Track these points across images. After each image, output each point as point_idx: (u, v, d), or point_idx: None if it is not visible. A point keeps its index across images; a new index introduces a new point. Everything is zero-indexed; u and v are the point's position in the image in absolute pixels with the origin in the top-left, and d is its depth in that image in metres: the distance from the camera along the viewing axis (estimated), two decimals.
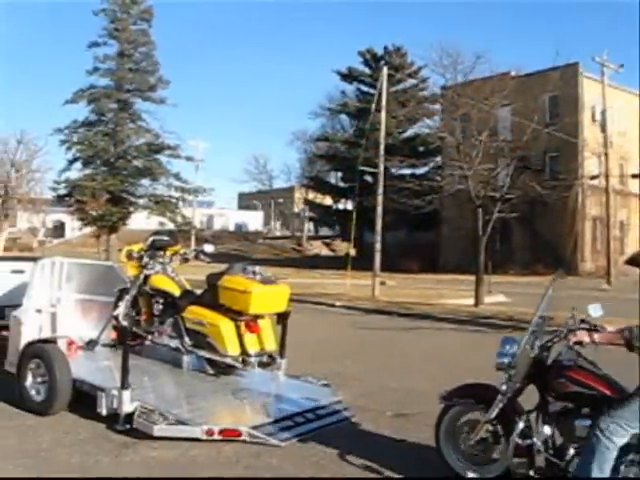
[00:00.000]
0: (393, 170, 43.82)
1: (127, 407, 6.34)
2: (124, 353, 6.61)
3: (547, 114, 36.28)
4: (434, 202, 30.31)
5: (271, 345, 7.62)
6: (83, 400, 6.89)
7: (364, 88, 54.14)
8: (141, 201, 50.02)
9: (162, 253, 8.14)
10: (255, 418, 6.61)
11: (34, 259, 9.11)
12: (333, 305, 21.11)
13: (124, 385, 6.40)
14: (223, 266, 7.85)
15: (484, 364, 5.85)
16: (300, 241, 72.87)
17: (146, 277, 7.89)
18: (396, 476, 5.56)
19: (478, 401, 5.29)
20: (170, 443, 6.02)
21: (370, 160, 29.23)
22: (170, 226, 51.76)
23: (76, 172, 49.26)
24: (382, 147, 25.51)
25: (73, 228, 68.31)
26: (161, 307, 7.85)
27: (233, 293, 7.21)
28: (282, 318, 7.82)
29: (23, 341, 7.46)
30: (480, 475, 5.24)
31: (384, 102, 25.55)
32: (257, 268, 7.64)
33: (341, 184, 60.03)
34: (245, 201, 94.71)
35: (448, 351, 12.78)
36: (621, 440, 4.34)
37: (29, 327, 7.59)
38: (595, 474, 4.32)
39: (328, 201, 63.94)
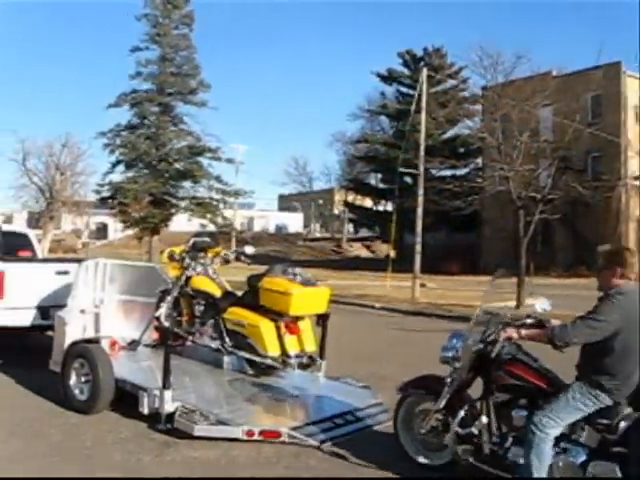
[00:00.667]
0: (433, 171, 43.54)
1: (168, 407, 6.41)
2: (166, 354, 6.68)
3: (589, 114, 35.70)
4: (475, 203, 29.98)
5: (311, 346, 7.63)
6: (125, 399, 6.98)
7: (403, 89, 53.88)
8: (182, 203, 50.43)
9: (203, 254, 8.20)
10: (295, 419, 6.64)
11: (78, 260, 9.28)
12: (373, 307, 21.05)
13: (165, 385, 6.47)
14: (263, 267, 7.89)
15: None
16: (340, 243, 72.84)
17: (187, 278, 7.96)
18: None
19: (429, 392, 5.68)
20: (211, 443, 6.07)
21: (410, 161, 29.09)
22: (211, 228, 52.21)
23: (119, 175, 49.90)
24: (422, 148, 25.37)
25: (116, 230, 69.32)
26: (202, 308, 7.91)
27: (273, 294, 7.23)
28: (322, 319, 7.82)
29: (67, 341, 7.59)
30: (431, 461, 5.67)
31: (424, 103, 25.39)
32: (297, 270, 7.66)
33: (381, 185, 59.84)
34: (285, 203, 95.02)
35: None
36: (554, 431, 4.66)
37: (73, 327, 7.72)
38: (535, 466, 4.63)
39: (368, 203, 63.82)
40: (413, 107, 26.59)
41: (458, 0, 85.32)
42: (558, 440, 4.74)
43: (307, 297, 7.36)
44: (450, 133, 48.67)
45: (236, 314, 7.46)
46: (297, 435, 6.11)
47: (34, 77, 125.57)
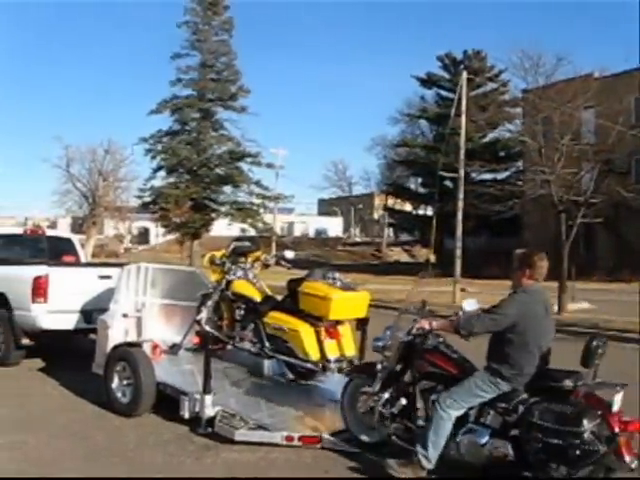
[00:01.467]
0: (473, 175, 43.15)
1: (209, 411, 6.46)
2: (206, 358, 6.73)
3: (632, 116, 34.98)
4: (515, 207, 29.70)
5: (351, 351, 7.60)
6: (167, 403, 7.05)
7: (443, 93, 53.52)
8: (223, 208, 50.78)
9: (244, 259, 8.24)
10: (334, 425, 6.62)
11: (120, 265, 9.39)
12: None
13: (206, 389, 6.52)
14: (303, 272, 7.90)
15: None
16: (379, 247, 72.63)
17: (228, 282, 8.00)
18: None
19: (370, 376, 6.15)
20: (250, 446, 6.10)
21: (450, 165, 28.88)
22: (251, 232, 52.48)
23: (160, 180, 50.44)
24: (462, 152, 25.18)
25: (157, 235, 70.04)
26: (242, 312, 7.93)
27: (313, 299, 7.23)
28: (361, 324, 7.79)
29: (110, 344, 7.69)
30: (370, 439, 6.20)
31: (464, 107, 25.21)
32: (337, 274, 7.64)
33: (421, 190, 59.52)
34: (325, 207, 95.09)
35: None
36: (456, 412, 5.28)
37: (116, 331, 7.81)
38: (431, 439, 5.28)
39: (408, 207, 63.50)
40: (453, 110, 26.40)
41: (498, 2, 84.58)
42: (466, 421, 5.32)
43: (347, 301, 7.34)
44: (490, 136, 48.18)
45: (276, 318, 7.46)
46: (337, 441, 6.10)
47: (77, 84, 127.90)
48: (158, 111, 49.58)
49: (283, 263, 8.70)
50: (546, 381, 5.20)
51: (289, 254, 8.88)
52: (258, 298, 7.84)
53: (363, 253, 69.40)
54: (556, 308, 20.04)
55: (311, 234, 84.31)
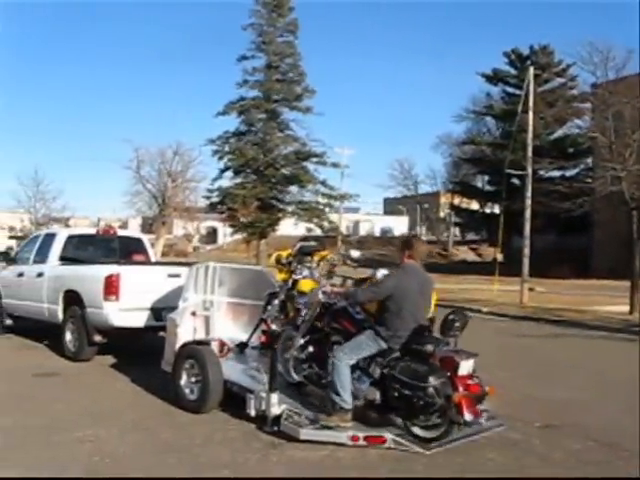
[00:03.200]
0: (541, 172, 42.17)
1: (275, 410, 6.49)
2: (272, 356, 6.78)
3: None
4: (585, 205, 28.87)
5: None
6: (234, 400, 7.13)
7: (510, 89, 52.66)
8: (289, 208, 51.09)
9: (310, 258, 8.28)
10: (400, 424, 6.58)
11: (189, 264, 9.54)
12: (479, 311, 20.65)
13: (272, 388, 6.56)
14: (369, 271, 7.89)
15: (635, 375, 5.54)
16: (446, 246, 71.90)
17: (294, 282, 8.04)
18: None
19: (295, 328, 7.27)
20: (316, 444, 6.11)
21: (517, 162, 28.38)
22: (317, 232, 52.63)
23: (227, 181, 51.05)
24: (530, 149, 24.71)
25: (225, 234, 71.01)
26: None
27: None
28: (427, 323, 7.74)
29: (179, 342, 7.82)
30: (293, 379, 7.22)
31: (531, 103, 24.72)
32: None
33: (488, 188, 58.69)
34: (390, 206, 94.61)
35: (598, 361, 12.19)
36: (347, 362, 6.31)
37: (184, 329, 7.94)
38: (337, 383, 6.28)
39: (474, 205, 62.69)
40: (520, 107, 25.89)
41: None
42: (356, 370, 6.37)
43: None
44: (559, 133, 47.19)
45: None
46: (402, 441, 6.06)
47: (147, 88, 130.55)
48: (225, 113, 50.18)
49: (349, 262, 8.71)
50: (414, 344, 6.23)
51: (355, 253, 8.89)
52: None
53: (429, 252, 68.75)
54: (627, 309, 19.50)
55: (377, 233, 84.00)
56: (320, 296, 7.01)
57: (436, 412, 5.94)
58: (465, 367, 6.01)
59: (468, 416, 5.82)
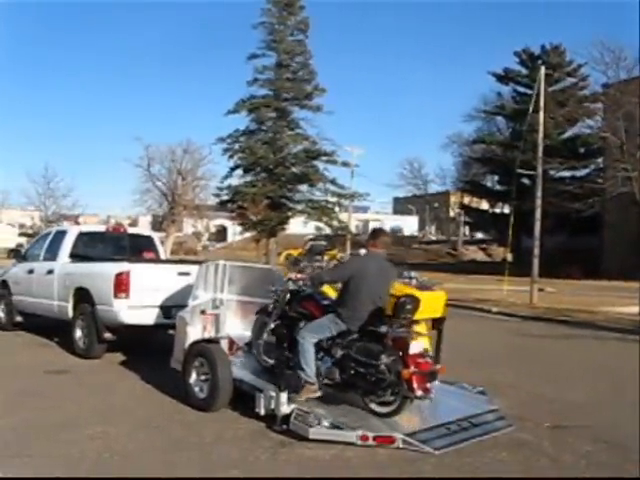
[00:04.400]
0: (552, 172, 42.09)
1: (284, 409, 6.50)
2: (279, 355, 6.78)
3: None
4: (596, 205, 28.85)
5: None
6: (244, 399, 7.14)
7: (520, 89, 52.47)
8: (299, 206, 51.12)
9: (320, 257, 8.31)
10: (409, 424, 6.57)
11: (198, 262, 9.55)
12: (489, 311, 20.63)
13: (281, 387, 6.56)
14: None
15: None
16: (455, 246, 71.82)
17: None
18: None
19: (268, 315, 7.68)
20: (325, 443, 6.11)
21: (528, 162, 28.28)
22: (326, 231, 52.63)
23: (237, 179, 51.18)
24: (540, 149, 24.59)
25: (234, 233, 71.14)
26: None
27: (389, 298, 7.21)
28: (438, 323, 7.73)
29: (188, 340, 7.83)
30: (268, 362, 7.58)
31: (542, 102, 24.60)
32: (413, 273, 7.62)
33: (498, 187, 58.50)
34: (400, 205, 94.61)
35: (609, 361, 12.14)
36: (311, 341, 6.82)
37: (194, 327, 7.94)
38: (303, 360, 6.79)
39: (484, 205, 62.59)
40: (531, 107, 25.76)
41: None
42: (320, 351, 6.84)
43: (423, 301, 7.29)
44: (569, 133, 46.99)
45: None
46: (412, 441, 6.04)
47: (157, 86, 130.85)
48: (235, 111, 50.27)
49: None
50: (370, 326, 6.71)
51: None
52: (334, 296, 7.86)
53: (438, 252, 68.77)
54: (637, 310, 19.39)
55: None
56: (289, 284, 7.50)
57: (388, 388, 6.44)
58: (416, 346, 6.51)
59: (419, 392, 6.35)
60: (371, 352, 6.48)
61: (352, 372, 6.56)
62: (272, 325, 7.50)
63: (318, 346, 6.81)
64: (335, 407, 6.78)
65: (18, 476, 5.42)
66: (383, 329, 6.59)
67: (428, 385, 6.45)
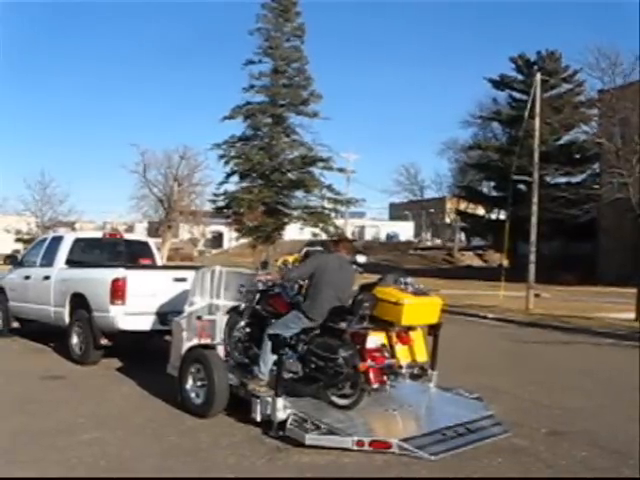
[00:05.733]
0: (548, 178, 42.15)
1: (280, 414, 6.50)
2: (279, 361, 6.79)
3: None
4: (592, 211, 28.87)
5: (422, 357, 7.56)
6: (239, 405, 7.14)
7: (516, 95, 52.53)
8: (295, 212, 51.18)
9: None
10: (405, 430, 6.59)
11: (195, 268, 9.55)
12: (485, 317, 20.64)
13: (278, 393, 6.56)
14: (375, 276, 7.91)
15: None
16: (451, 252, 71.82)
17: (300, 287, 8.05)
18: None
19: (239, 314, 7.96)
20: (321, 450, 6.11)
21: (524, 168, 28.31)
22: (323, 237, 52.65)
23: (233, 185, 51.20)
24: (536, 155, 24.64)
25: (230, 239, 71.07)
26: None
27: (385, 304, 7.22)
28: (434, 329, 7.75)
29: (185, 346, 7.83)
30: (238, 360, 7.83)
31: (538, 108, 24.66)
32: (409, 279, 7.63)
33: (494, 193, 58.50)
34: (396, 211, 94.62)
35: (605, 367, 12.15)
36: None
37: (190, 333, 7.94)
38: (262, 358, 7.16)
39: (480, 211, 62.57)
40: (527, 113, 25.83)
41: (572, 1, 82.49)
42: (285, 347, 6.92)
43: (419, 307, 7.31)
44: (565, 139, 47.04)
45: None
46: (408, 447, 6.05)
47: (153, 92, 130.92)
48: (231, 117, 50.33)
49: (355, 267, 8.71)
50: (330, 322, 6.99)
51: (361, 258, 8.89)
52: None
53: (434, 258, 68.74)
54: (633, 315, 19.43)
55: (382, 238, 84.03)
56: (259, 284, 7.82)
57: (346, 380, 6.76)
58: (372, 341, 6.81)
59: (375, 384, 6.68)
60: (330, 347, 6.78)
61: (313, 366, 6.87)
62: (243, 323, 7.78)
63: (284, 342, 6.97)
64: (331, 413, 6.78)
65: (18, 476, 5.42)
66: (342, 325, 6.88)
67: (384, 377, 6.77)
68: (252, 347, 7.64)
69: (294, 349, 7.10)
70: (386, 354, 6.93)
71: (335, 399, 6.94)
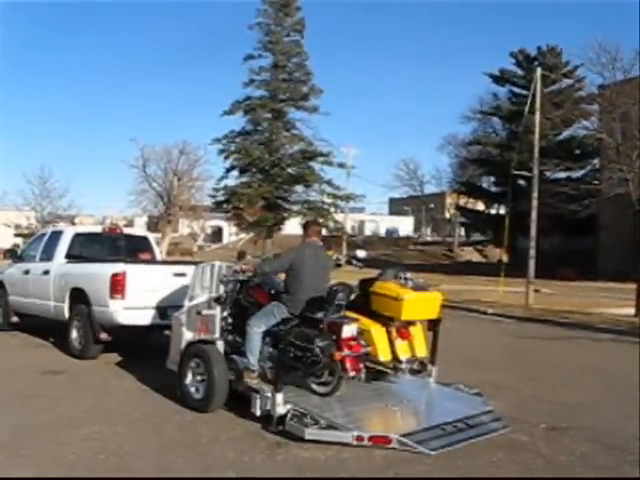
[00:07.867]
0: (548, 174, 42.08)
1: (280, 409, 6.50)
2: (278, 357, 6.79)
3: None
4: (591, 207, 28.78)
5: (422, 352, 7.56)
6: (239, 399, 7.14)
7: (517, 90, 52.53)
8: (295, 207, 51.18)
9: None
10: (405, 425, 6.59)
11: (194, 263, 9.54)
12: (485, 312, 20.64)
13: (277, 388, 6.56)
14: (375, 271, 7.90)
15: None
16: (451, 247, 71.84)
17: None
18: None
19: (222, 304, 7.81)
20: (321, 444, 6.11)
21: (524, 164, 28.29)
22: (322, 232, 52.59)
23: (233, 180, 51.22)
24: (536, 150, 24.61)
25: (230, 233, 71.08)
26: None
27: (385, 299, 7.22)
28: (433, 325, 7.74)
29: (184, 341, 7.83)
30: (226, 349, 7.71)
31: (538, 104, 24.61)
32: (409, 274, 7.62)
33: (494, 189, 58.56)
34: (396, 206, 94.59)
35: (605, 363, 12.16)
36: (258, 329, 7.29)
37: (190, 328, 7.93)
38: (248, 348, 7.29)
39: (480, 206, 62.60)
40: (527, 108, 25.78)
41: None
42: (267, 337, 7.30)
43: (418, 302, 7.30)
44: (565, 134, 46.96)
45: None
46: (407, 442, 6.04)
47: (153, 87, 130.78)
48: (231, 112, 50.32)
49: (355, 262, 8.71)
50: (308, 312, 7.11)
51: (361, 253, 8.89)
52: None
53: (434, 253, 68.75)
54: (632, 311, 19.44)
55: (382, 233, 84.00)
56: (239, 275, 7.82)
57: (323, 369, 6.98)
58: (348, 330, 6.89)
59: (351, 372, 6.87)
60: (307, 336, 6.90)
61: (291, 355, 6.93)
62: (224, 314, 7.78)
63: (266, 333, 7.25)
64: (331, 408, 6.78)
65: (18, 476, 5.41)
66: (319, 315, 6.99)
67: (360, 365, 6.95)
68: (234, 336, 7.75)
69: (274, 339, 7.29)
70: (362, 342, 7.04)
71: (315, 387, 7.12)
